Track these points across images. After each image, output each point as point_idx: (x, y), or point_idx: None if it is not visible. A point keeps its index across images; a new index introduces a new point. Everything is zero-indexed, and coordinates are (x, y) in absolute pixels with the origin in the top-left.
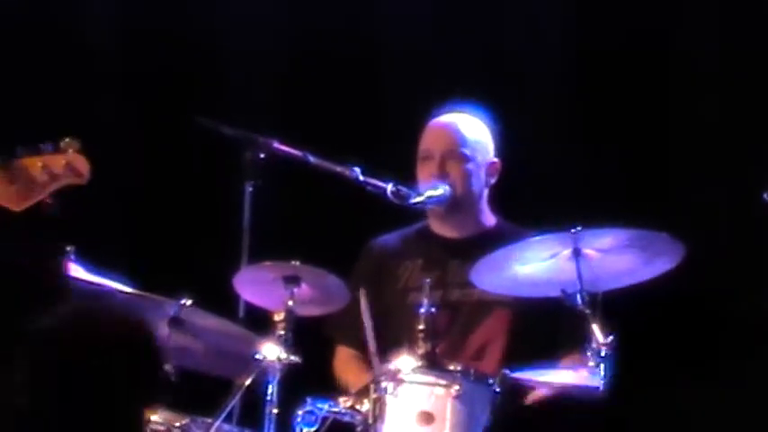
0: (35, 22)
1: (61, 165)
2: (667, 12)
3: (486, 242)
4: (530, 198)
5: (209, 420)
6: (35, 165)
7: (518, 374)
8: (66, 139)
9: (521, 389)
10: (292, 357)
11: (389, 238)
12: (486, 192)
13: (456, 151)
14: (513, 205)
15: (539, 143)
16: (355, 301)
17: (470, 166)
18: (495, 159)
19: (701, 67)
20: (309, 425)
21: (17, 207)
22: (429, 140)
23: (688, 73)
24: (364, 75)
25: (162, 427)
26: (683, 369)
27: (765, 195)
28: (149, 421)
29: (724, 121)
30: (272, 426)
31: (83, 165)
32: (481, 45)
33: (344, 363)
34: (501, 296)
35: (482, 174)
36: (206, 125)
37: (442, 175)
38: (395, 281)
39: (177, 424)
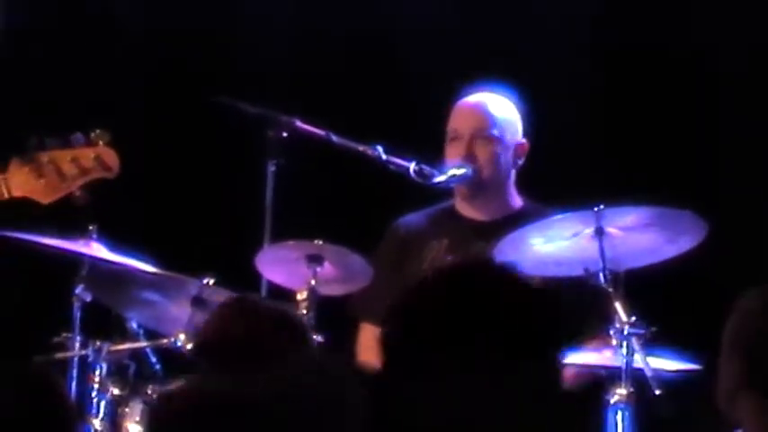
0: (64, 11)
1: (91, 158)
2: None
3: (513, 224)
4: (552, 176)
5: None
6: (64, 158)
7: None
8: (97, 131)
9: None
10: (315, 337)
11: (415, 218)
12: (513, 173)
13: (485, 132)
14: (535, 184)
15: (561, 121)
16: (380, 279)
17: (499, 147)
18: (524, 140)
19: (723, 46)
20: None
21: (46, 200)
22: (457, 120)
23: (712, 51)
24: (388, 53)
25: None
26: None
27: None
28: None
29: (748, 98)
30: None
31: (112, 158)
32: (506, 23)
33: (366, 342)
34: (525, 277)
35: (510, 155)
36: (228, 104)
37: (470, 156)
38: (420, 261)
39: None
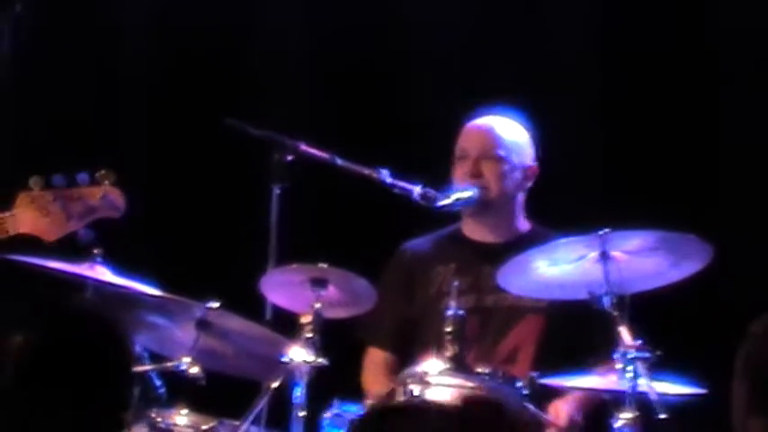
0: (70, 19)
1: (97, 197)
2: (690, 18)
3: (520, 247)
4: (557, 200)
5: (237, 423)
6: (70, 197)
7: (546, 379)
8: (102, 171)
9: (548, 392)
10: (319, 360)
11: (421, 242)
12: (521, 196)
13: (491, 152)
14: (540, 207)
15: (567, 145)
16: (386, 304)
17: (505, 167)
18: (533, 164)
19: (725, 68)
20: (337, 428)
21: (51, 238)
22: (465, 141)
23: (714, 75)
24: (396, 77)
25: (190, 430)
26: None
27: None
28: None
29: (751, 121)
30: (300, 428)
31: (118, 198)
32: (511, 49)
33: (372, 367)
34: (534, 302)
35: (518, 177)
36: (234, 127)
37: (477, 175)
38: (428, 285)
39: (204, 426)
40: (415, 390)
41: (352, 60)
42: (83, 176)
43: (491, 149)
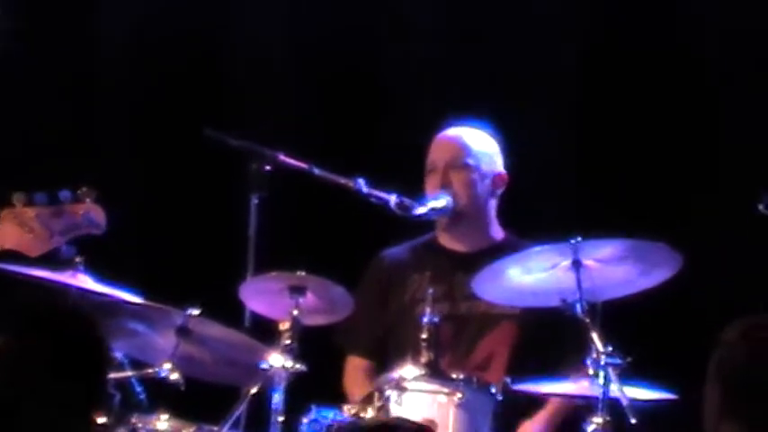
0: (49, 29)
1: (79, 215)
2: (665, 27)
3: (493, 256)
4: (531, 209)
5: (216, 428)
6: (52, 214)
7: (520, 385)
8: (84, 189)
9: (522, 398)
10: (297, 366)
11: (398, 251)
12: (493, 203)
13: (459, 161)
14: (514, 216)
15: (540, 155)
16: (364, 311)
17: (474, 175)
18: (502, 171)
19: (697, 78)
20: None
21: (33, 253)
22: (434, 153)
23: (685, 84)
24: (371, 87)
25: None
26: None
27: (759, 206)
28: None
29: (722, 131)
30: None
31: (100, 215)
32: (483, 60)
33: (353, 374)
34: (507, 309)
35: (487, 184)
36: (213, 137)
37: (446, 185)
38: (402, 292)
39: None
40: (392, 395)
41: (333, 69)
42: (65, 194)
43: (459, 159)
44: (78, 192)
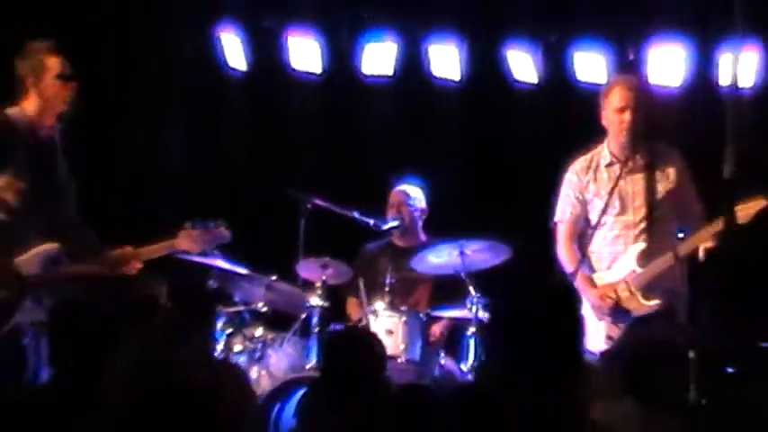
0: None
1: (217, 235)
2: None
3: (421, 249)
4: (438, 223)
5: (286, 334)
6: (205, 233)
7: (434, 312)
8: (219, 221)
9: (437, 319)
10: (324, 304)
11: (373, 246)
12: (420, 222)
13: (405, 202)
14: (430, 227)
15: (441, 192)
16: (356, 276)
17: (414, 211)
18: (425, 207)
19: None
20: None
21: (195, 252)
22: (392, 198)
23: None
24: (359, 147)
25: (262, 338)
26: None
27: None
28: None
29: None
30: (315, 338)
31: (227, 235)
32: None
33: (350, 307)
34: (427, 275)
35: (418, 214)
36: (291, 194)
37: (399, 215)
38: (376, 268)
39: (270, 335)
40: (371, 318)
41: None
42: (211, 224)
43: (405, 201)
44: (218, 221)
